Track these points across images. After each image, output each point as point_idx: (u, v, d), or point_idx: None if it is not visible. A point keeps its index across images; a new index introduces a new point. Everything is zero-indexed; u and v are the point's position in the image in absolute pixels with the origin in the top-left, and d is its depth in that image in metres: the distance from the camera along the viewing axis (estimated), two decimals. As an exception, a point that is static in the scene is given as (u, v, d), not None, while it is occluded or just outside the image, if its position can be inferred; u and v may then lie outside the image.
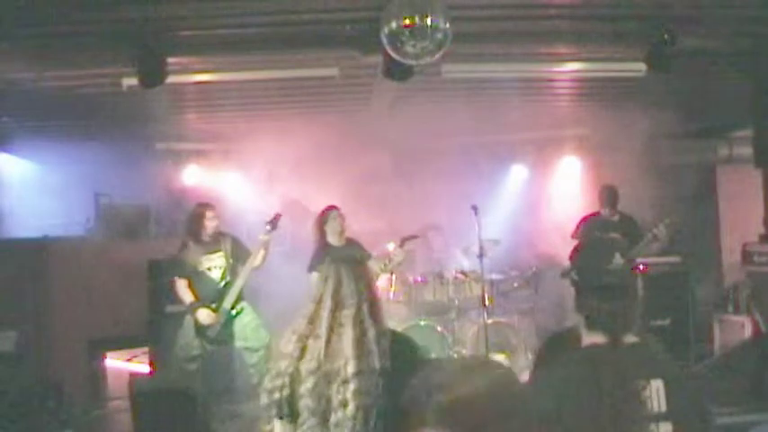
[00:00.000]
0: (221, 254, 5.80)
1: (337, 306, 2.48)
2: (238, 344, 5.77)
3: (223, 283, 5.74)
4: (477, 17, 4.88)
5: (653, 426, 1.76)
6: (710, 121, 7.94)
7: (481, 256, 6.33)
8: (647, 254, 6.30)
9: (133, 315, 6.72)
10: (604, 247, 2.00)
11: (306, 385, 2.37)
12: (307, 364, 2.41)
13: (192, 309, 5.64)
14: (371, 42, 4.67)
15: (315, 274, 5.78)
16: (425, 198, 7.69)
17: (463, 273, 6.95)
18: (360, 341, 2.41)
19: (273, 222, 5.73)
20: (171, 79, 5.04)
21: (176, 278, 5.77)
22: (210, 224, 5.78)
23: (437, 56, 4.44)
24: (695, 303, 7.20)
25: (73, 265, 6.63)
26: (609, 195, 6.56)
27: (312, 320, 2.50)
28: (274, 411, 2.43)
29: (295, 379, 2.41)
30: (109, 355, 6.96)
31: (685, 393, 1.83)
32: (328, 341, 2.42)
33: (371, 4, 4.51)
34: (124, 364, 7.08)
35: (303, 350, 2.45)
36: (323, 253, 5.84)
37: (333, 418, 2.33)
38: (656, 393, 1.78)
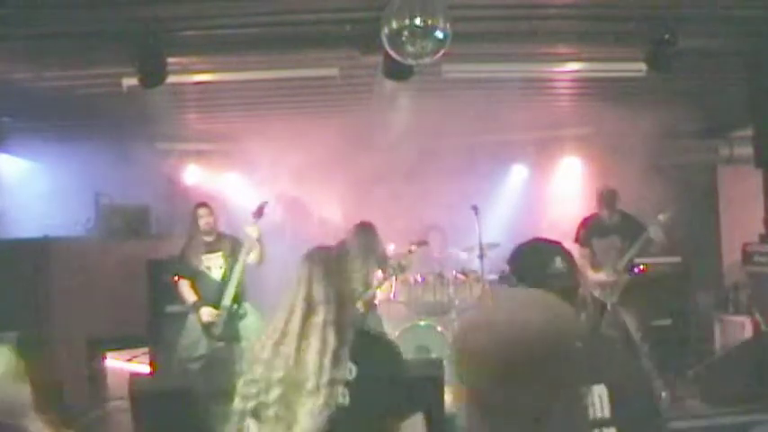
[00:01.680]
0: (221, 253, 5.81)
1: (309, 312, 2.35)
2: (242, 344, 5.78)
3: (224, 282, 5.74)
4: (477, 17, 4.88)
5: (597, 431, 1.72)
6: (711, 121, 7.94)
7: (481, 256, 6.34)
8: (647, 254, 6.29)
9: (133, 315, 6.72)
10: (545, 251, 1.94)
11: (272, 394, 2.27)
12: (276, 373, 2.30)
13: (196, 308, 5.65)
14: (371, 42, 4.67)
15: None
16: (425, 198, 7.69)
17: (463, 273, 6.96)
18: (324, 350, 2.28)
19: (259, 212, 5.72)
20: (171, 79, 5.03)
21: (179, 278, 5.77)
22: (207, 222, 5.79)
23: (437, 56, 4.44)
24: (696, 303, 7.20)
25: (73, 264, 6.62)
26: (608, 197, 6.47)
27: (285, 325, 2.36)
28: (247, 419, 2.33)
29: (268, 387, 2.31)
30: (109, 355, 6.96)
31: (631, 398, 1.79)
32: (298, 349, 2.30)
33: (371, 4, 4.51)
34: (124, 364, 7.08)
35: (277, 357, 2.34)
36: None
37: (298, 429, 2.22)
38: (598, 399, 1.75)
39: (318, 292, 2.35)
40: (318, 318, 2.32)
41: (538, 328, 1.15)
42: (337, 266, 2.44)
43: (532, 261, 1.94)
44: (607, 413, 1.75)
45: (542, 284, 1.84)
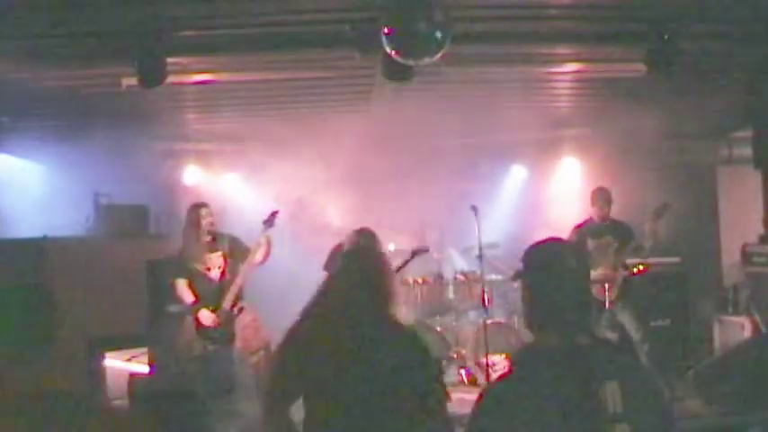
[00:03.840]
0: (219, 253, 5.79)
1: (348, 302, 2.59)
2: (239, 344, 5.77)
3: (222, 283, 5.74)
4: (477, 18, 4.88)
5: (609, 427, 1.76)
6: (710, 122, 7.94)
7: (481, 256, 6.33)
8: (643, 255, 6.30)
9: (133, 315, 6.71)
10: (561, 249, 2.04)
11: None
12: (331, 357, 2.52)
13: (193, 309, 5.64)
14: (371, 43, 4.67)
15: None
16: (425, 198, 7.69)
17: (463, 273, 6.95)
18: (370, 336, 2.52)
19: (270, 220, 5.72)
20: (171, 79, 5.03)
21: (176, 279, 5.76)
22: (206, 223, 5.78)
23: (437, 56, 4.44)
24: (695, 304, 7.21)
25: (72, 264, 6.62)
26: (601, 197, 6.47)
27: (325, 312, 2.62)
28: None
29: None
30: (109, 355, 6.95)
31: (642, 394, 1.83)
32: (345, 335, 2.53)
33: (371, 4, 4.51)
34: (124, 364, 7.07)
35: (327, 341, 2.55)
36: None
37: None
38: (611, 394, 1.78)
39: (356, 282, 2.68)
40: (359, 307, 2.65)
41: None
42: (373, 259, 2.80)
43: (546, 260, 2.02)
44: (620, 409, 1.77)
45: (555, 282, 1.95)
